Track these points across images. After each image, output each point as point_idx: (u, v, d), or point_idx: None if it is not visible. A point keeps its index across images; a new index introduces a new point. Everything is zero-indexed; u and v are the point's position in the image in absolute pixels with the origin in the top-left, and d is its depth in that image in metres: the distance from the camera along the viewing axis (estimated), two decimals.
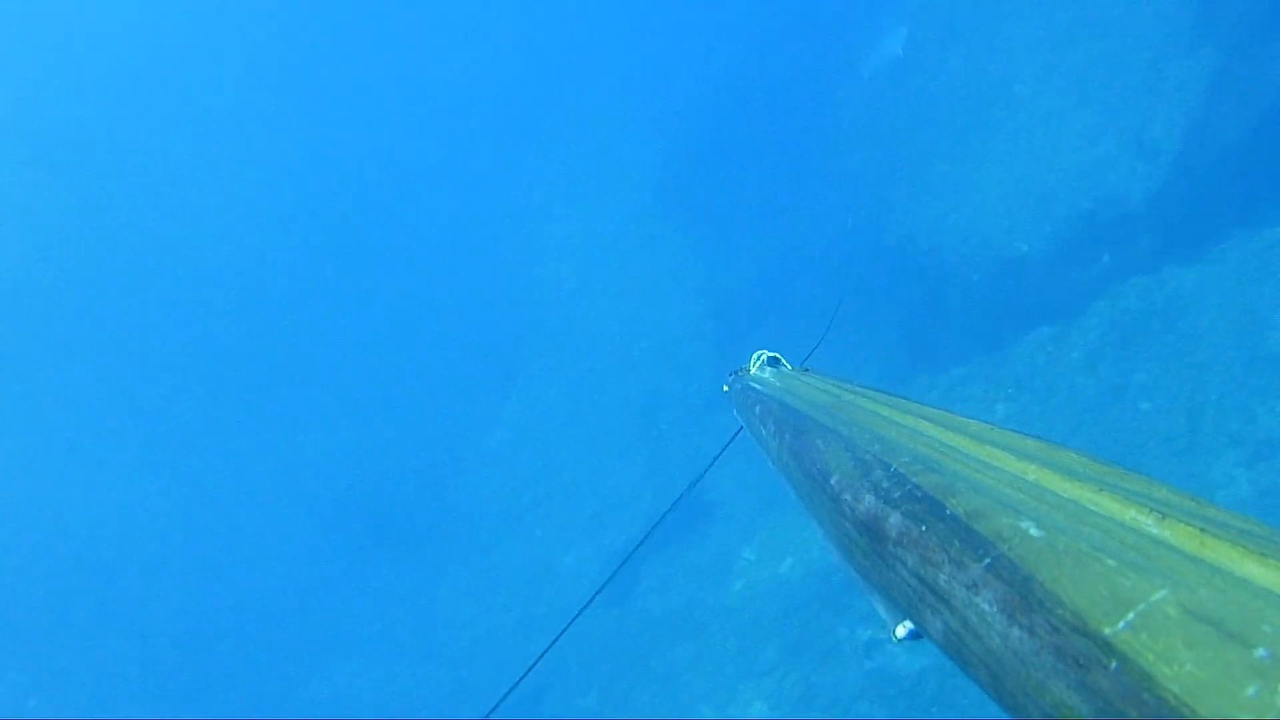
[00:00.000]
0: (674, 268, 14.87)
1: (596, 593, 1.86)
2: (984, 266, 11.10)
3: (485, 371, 14.67)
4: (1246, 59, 10.34)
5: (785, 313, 13.67)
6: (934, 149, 12.12)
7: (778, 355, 2.70)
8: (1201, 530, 0.78)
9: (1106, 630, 0.69)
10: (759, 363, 2.67)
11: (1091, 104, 11.04)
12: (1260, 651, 0.60)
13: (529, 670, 1.51)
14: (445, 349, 15.07)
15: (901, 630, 1.08)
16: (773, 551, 10.80)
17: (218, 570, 14.24)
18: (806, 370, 2.54)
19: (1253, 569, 0.71)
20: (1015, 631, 0.79)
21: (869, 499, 1.17)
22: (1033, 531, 0.85)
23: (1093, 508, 0.90)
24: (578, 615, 1.74)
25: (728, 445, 2.74)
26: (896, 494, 1.11)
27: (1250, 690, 0.58)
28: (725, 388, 2.78)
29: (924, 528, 1.01)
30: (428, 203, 16.96)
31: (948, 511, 0.98)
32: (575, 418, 13.77)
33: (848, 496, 1.24)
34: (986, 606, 0.85)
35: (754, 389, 2.33)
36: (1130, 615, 0.68)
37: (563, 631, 1.65)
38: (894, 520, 1.08)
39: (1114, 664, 0.66)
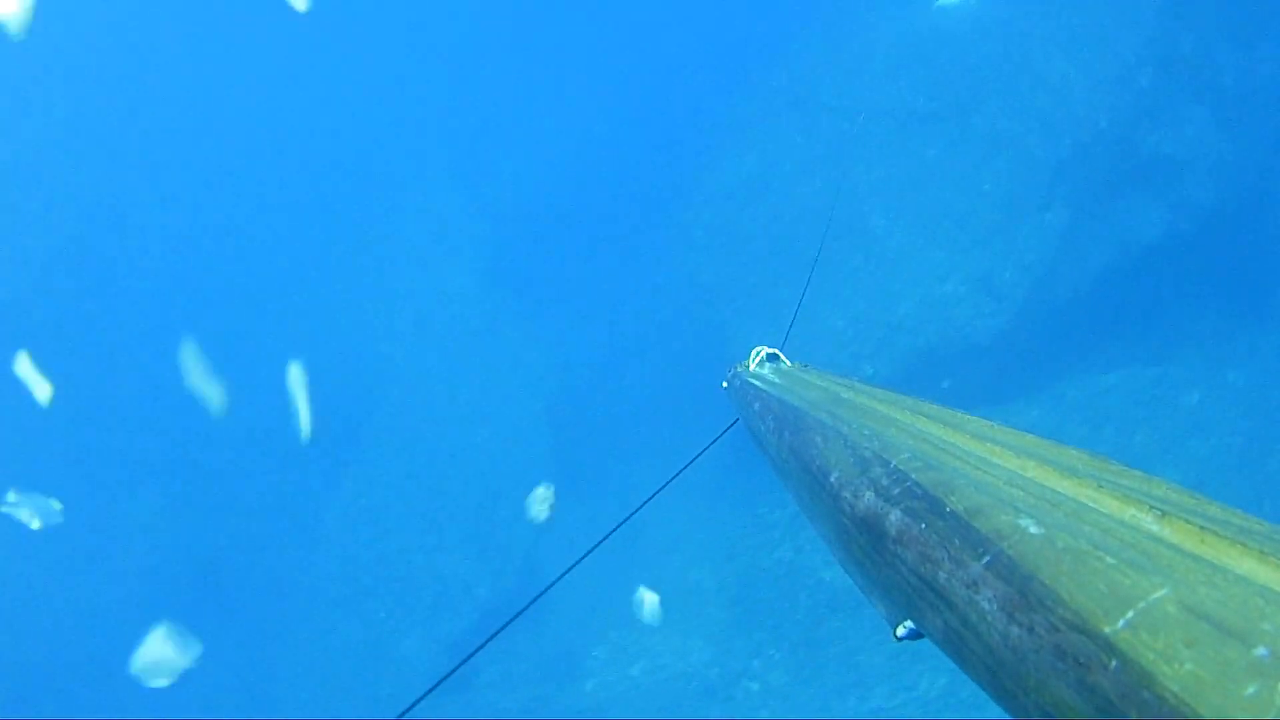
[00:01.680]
0: (513, 354, 14.63)
1: (546, 587, 1.85)
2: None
3: (320, 452, 14.11)
4: (1094, 217, 11.01)
5: (626, 400, 13.77)
6: (784, 271, 12.28)
7: (777, 351, 2.69)
8: (1201, 528, 0.78)
9: (1106, 628, 0.69)
10: (758, 359, 2.67)
11: (942, 244, 11.48)
12: (1260, 650, 0.60)
13: (447, 676, 1.48)
14: (279, 427, 14.42)
15: (901, 629, 1.08)
16: (624, 653, 10.76)
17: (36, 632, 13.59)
18: (805, 366, 2.54)
19: (1252, 567, 0.71)
20: (1015, 630, 0.79)
21: (869, 496, 1.17)
22: (1032, 529, 0.85)
23: (1092, 505, 0.90)
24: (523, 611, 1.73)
25: (719, 438, 2.74)
26: (896, 491, 1.11)
27: (1250, 689, 0.58)
28: (724, 384, 2.78)
29: (924, 525, 1.01)
30: (262, 280, 16.22)
31: (947, 509, 0.98)
32: (412, 503, 13.39)
33: (847, 494, 1.24)
34: (986, 604, 0.85)
35: (753, 385, 2.33)
36: (1130, 613, 0.68)
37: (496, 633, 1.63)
38: (894, 518, 1.08)
39: (1114, 662, 0.66)
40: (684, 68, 16.43)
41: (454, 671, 1.37)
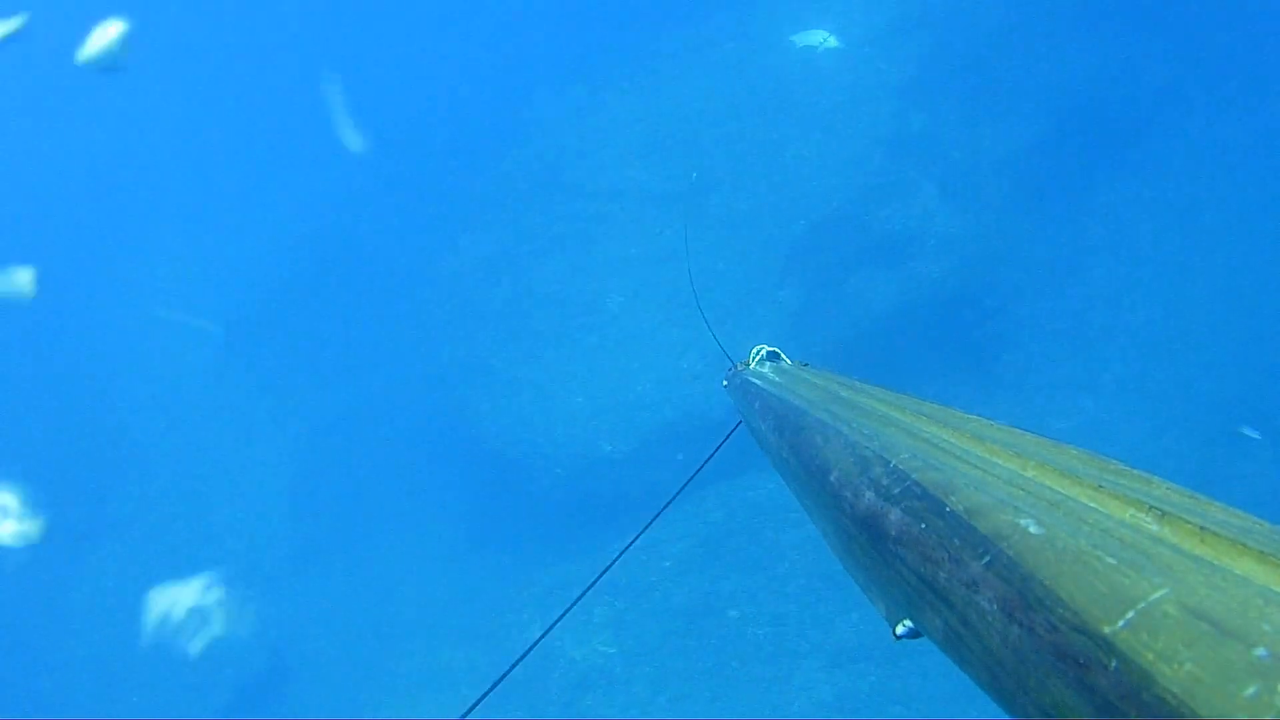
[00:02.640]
0: (251, 431, 14.31)
1: (618, 558, 1.86)
2: (566, 464, 11.60)
3: (57, 543, 13.78)
4: (827, 292, 11.47)
5: (368, 477, 13.70)
6: (523, 350, 12.49)
7: (777, 350, 2.69)
8: (1201, 528, 0.78)
9: (1106, 629, 0.69)
10: (758, 357, 2.66)
11: (678, 323, 11.80)
12: (1260, 650, 0.60)
13: (521, 658, 1.51)
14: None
15: (900, 628, 1.08)
16: None
17: None
18: (805, 365, 2.54)
19: (1252, 567, 0.71)
20: (1015, 630, 0.79)
21: (869, 496, 1.17)
22: (1032, 529, 0.85)
23: (1092, 505, 0.90)
24: (596, 581, 1.74)
25: (726, 439, 2.74)
26: (896, 491, 1.11)
27: (1250, 690, 0.58)
28: (725, 382, 2.78)
29: (924, 525, 1.01)
30: None
31: (947, 509, 0.98)
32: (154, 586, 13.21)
33: (848, 493, 1.24)
34: (986, 605, 0.85)
35: (753, 384, 2.33)
36: (1130, 614, 0.68)
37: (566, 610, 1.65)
38: (894, 517, 1.08)
39: (1114, 663, 0.66)
40: (427, 145, 16.45)
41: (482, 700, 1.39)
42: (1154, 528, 0.82)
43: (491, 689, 1.37)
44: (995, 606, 0.83)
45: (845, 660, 9.29)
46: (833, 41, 12.70)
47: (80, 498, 13.70)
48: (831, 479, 1.32)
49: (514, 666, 1.47)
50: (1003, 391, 10.70)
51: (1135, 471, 0.99)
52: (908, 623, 1.07)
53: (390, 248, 15.45)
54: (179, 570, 12.77)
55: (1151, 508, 0.85)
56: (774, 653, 9.60)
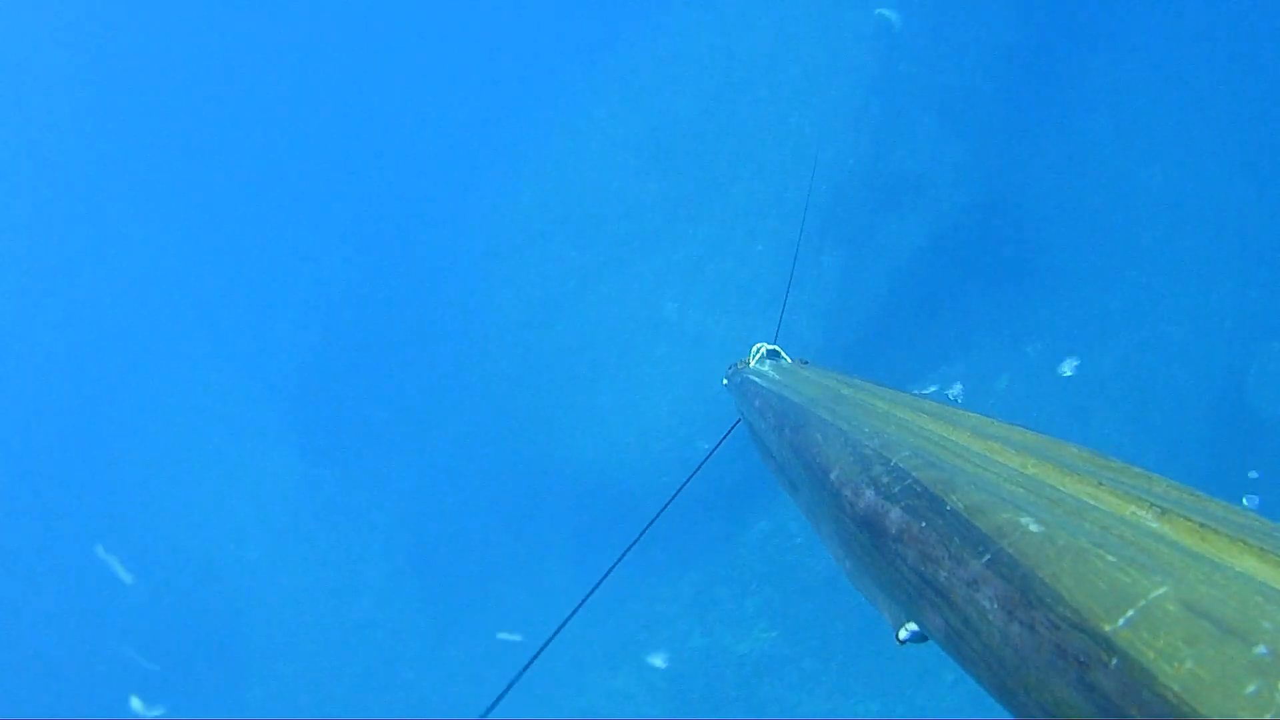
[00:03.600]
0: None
1: (619, 559, 1.87)
2: (673, 470, 11.71)
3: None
4: (864, 247, 11.64)
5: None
6: (597, 378, 12.59)
7: (777, 348, 2.69)
8: (1201, 525, 0.78)
9: (1107, 627, 0.69)
10: (759, 355, 2.66)
11: (734, 312, 12.04)
12: (1260, 648, 0.60)
13: (533, 659, 1.52)
14: None
15: (904, 632, 1.08)
16: None
17: None
18: (806, 363, 2.54)
19: (1253, 564, 0.71)
20: (1015, 628, 0.79)
21: (869, 494, 1.17)
22: (1033, 527, 0.85)
23: (1093, 503, 0.90)
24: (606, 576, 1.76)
25: (726, 437, 2.74)
26: (896, 489, 1.11)
27: (1251, 687, 0.58)
28: (725, 380, 2.78)
29: (924, 523, 1.01)
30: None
31: (948, 507, 0.98)
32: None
33: (848, 492, 1.24)
34: (987, 603, 0.85)
35: (753, 382, 2.32)
36: (1131, 612, 0.68)
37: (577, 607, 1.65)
38: (894, 516, 1.08)
39: (1114, 661, 0.66)
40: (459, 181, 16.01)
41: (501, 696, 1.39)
42: (1154, 525, 0.82)
43: (508, 687, 1.37)
44: (996, 605, 0.83)
45: None
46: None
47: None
48: (832, 477, 1.32)
49: (529, 665, 1.48)
50: (1043, 297, 10.93)
51: (1135, 469, 0.99)
52: (911, 626, 1.07)
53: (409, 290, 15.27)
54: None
55: (1152, 505, 0.85)
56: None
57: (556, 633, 1.66)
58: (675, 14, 13.62)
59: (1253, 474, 9.47)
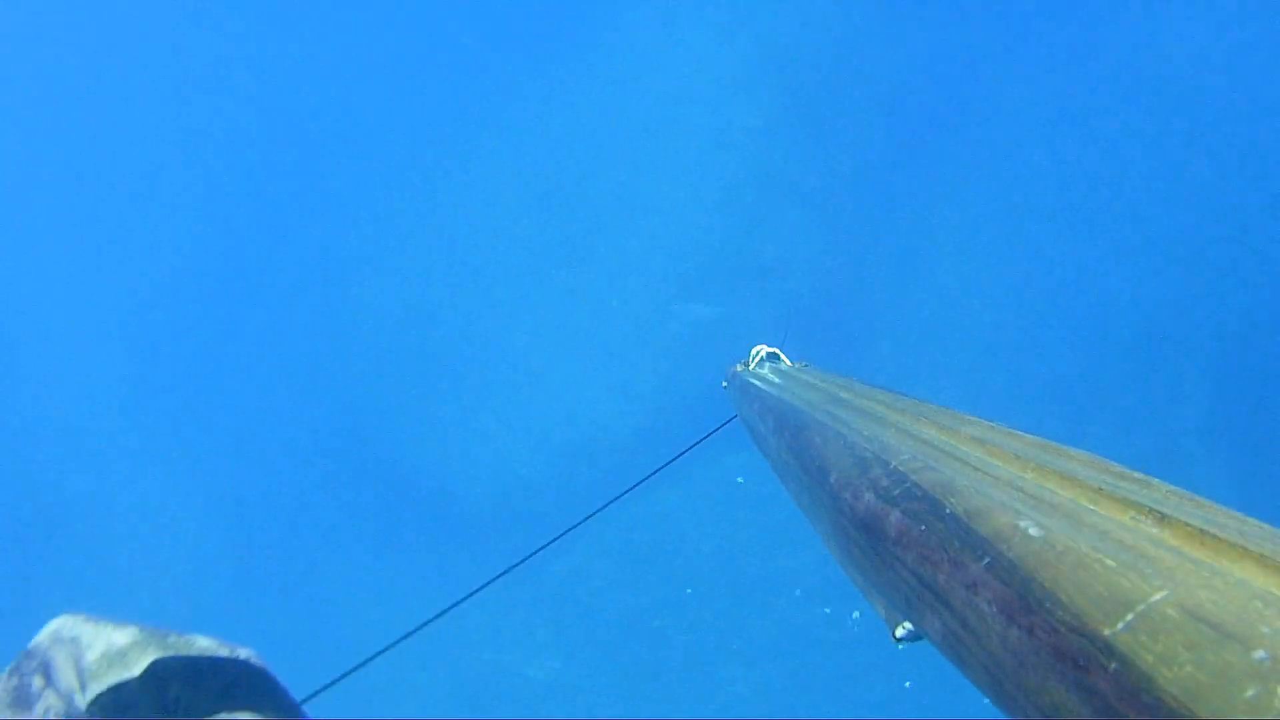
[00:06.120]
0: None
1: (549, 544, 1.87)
2: (492, 486, 12.71)
3: None
4: (729, 310, 12.56)
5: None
6: (440, 396, 13.44)
7: (777, 350, 2.69)
8: (1201, 530, 0.78)
9: (1106, 631, 0.69)
10: (758, 358, 2.66)
11: (577, 357, 12.94)
12: (1259, 653, 0.60)
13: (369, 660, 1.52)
14: None
15: (900, 630, 1.08)
16: None
17: None
18: (805, 365, 2.54)
19: (1252, 570, 0.71)
20: (1014, 632, 0.79)
21: (868, 497, 1.17)
22: (1032, 531, 0.85)
23: (1092, 507, 0.90)
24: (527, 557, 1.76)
25: (716, 430, 2.74)
26: (896, 492, 1.11)
27: (1249, 692, 0.58)
28: (724, 383, 2.78)
29: (923, 527, 1.01)
30: None
31: (947, 510, 0.98)
32: None
33: (847, 495, 1.24)
34: (985, 607, 0.85)
35: (753, 385, 2.32)
36: (1130, 616, 0.68)
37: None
38: (893, 519, 1.08)
39: (1113, 665, 0.66)
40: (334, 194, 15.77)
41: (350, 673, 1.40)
42: (1154, 530, 0.82)
43: (336, 680, 1.38)
44: (995, 609, 0.83)
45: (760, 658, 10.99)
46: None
47: None
48: (831, 480, 1.32)
49: (371, 659, 1.49)
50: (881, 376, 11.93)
51: (1135, 474, 0.99)
52: (907, 625, 1.07)
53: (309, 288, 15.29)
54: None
55: (1151, 510, 0.85)
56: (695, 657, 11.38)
57: (417, 630, 1.65)
58: (570, 69, 14.13)
59: None
